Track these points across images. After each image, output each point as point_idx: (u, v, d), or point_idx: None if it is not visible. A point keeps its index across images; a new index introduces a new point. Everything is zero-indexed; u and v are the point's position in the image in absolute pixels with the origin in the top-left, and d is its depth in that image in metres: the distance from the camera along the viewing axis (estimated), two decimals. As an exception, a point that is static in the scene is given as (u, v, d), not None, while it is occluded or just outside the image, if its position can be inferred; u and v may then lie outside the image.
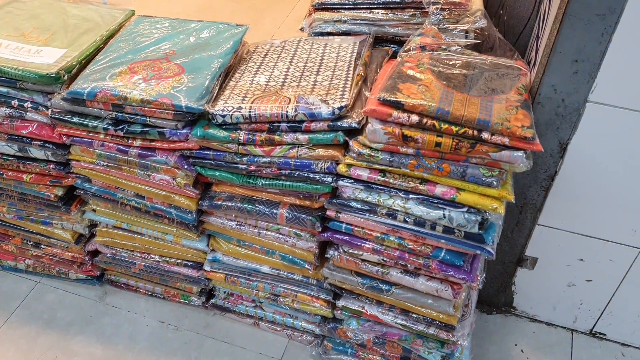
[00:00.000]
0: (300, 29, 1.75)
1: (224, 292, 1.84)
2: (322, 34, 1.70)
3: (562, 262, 1.76)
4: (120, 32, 1.68)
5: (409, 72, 1.39)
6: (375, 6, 1.63)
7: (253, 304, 1.83)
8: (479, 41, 1.57)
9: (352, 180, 1.40)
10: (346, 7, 1.66)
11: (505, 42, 1.61)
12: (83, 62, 1.55)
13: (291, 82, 1.50)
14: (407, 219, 1.38)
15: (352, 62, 1.53)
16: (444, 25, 1.59)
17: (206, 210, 1.62)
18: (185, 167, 1.49)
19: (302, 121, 1.38)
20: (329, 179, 1.42)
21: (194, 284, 1.84)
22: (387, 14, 1.63)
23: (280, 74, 1.53)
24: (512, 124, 1.25)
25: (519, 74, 1.46)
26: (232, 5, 3.54)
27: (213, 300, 1.88)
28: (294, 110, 1.37)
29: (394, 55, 1.63)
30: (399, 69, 1.41)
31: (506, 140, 1.24)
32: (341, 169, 1.38)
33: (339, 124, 1.36)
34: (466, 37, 1.59)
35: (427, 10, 1.60)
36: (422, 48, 1.53)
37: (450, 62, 1.45)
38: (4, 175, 1.68)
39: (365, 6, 1.64)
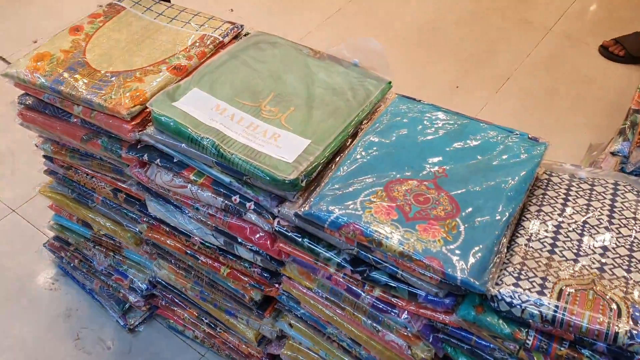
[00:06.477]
0: (621, 168, 1.25)
1: None
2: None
3: None
4: (373, 119, 1.29)
5: None
6: None
7: None
8: None
9: None
10: None
11: None
12: (324, 161, 1.18)
13: (613, 267, 1.01)
14: None
15: None
16: None
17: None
18: (431, 341, 1.09)
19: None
20: None
21: None
22: None
23: (596, 244, 1.05)
24: None
25: None
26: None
27: None
28: (627, 335, 0.89)
29: None
30: None
31: None
32: None
33: (699, 377, 0.87)
34: None
35: None
36: None
37: None
38: (199, 260, 1.40)
39: None
